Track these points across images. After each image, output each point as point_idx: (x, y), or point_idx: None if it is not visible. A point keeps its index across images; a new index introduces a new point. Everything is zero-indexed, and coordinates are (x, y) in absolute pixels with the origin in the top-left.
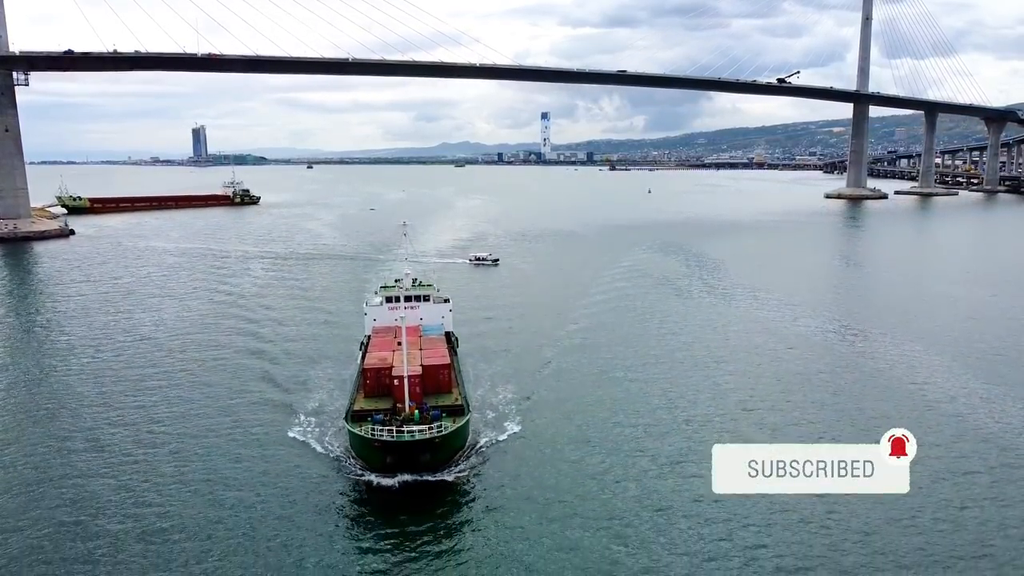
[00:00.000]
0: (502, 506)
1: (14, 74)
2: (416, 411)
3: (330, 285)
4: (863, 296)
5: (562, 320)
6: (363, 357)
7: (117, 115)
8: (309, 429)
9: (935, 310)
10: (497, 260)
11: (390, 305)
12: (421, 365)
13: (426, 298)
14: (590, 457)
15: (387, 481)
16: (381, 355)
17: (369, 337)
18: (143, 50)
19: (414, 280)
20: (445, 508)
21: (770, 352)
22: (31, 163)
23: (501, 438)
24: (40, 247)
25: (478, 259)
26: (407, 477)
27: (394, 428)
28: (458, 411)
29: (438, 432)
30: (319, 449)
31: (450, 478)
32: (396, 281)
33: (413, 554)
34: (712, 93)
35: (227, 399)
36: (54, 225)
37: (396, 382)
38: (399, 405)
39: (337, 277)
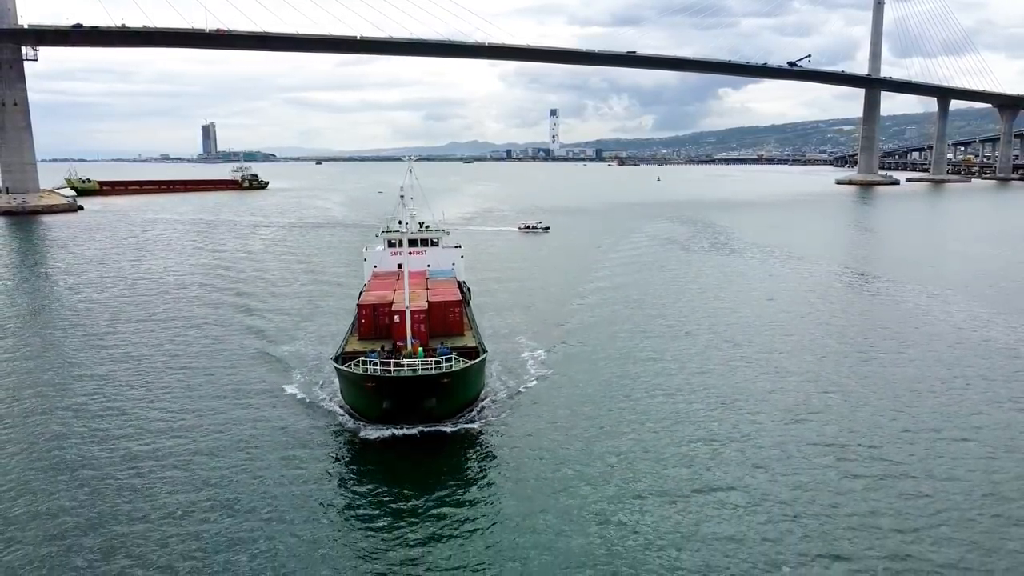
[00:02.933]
0: (517, 468)
1: (23, 48)
2: (420, 349)
3: (335, 243)
4: (880, 253)
5: (586, 277)
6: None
7: (127, 114)
8: (298, 376)
9: (949, 263)
10: (548, 228)
11: (393, 250)
12: (427, 302)
13: (434, 243)
14: (618, 414)
15: (381, 433)
16: (379, 293)
17: (368, 283)
18: (151, 26)
19: (421, 223)
20: (449, 470)
21: (789, 301)
22: (42, 160)
23: (521, 389)
24: (48, 219)
25: (528, 227)
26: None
27: (391, 363)
28: (471, 354)
29: (446, 369)
30: (303, 396)
31: (454, 429)
32: (400, 223)
33: (408, 523)
34: (722, 92)
35: (221, 348)
36: (62, 200)
37: (396, 319)
38: (399, 344)
39: (343, 238)
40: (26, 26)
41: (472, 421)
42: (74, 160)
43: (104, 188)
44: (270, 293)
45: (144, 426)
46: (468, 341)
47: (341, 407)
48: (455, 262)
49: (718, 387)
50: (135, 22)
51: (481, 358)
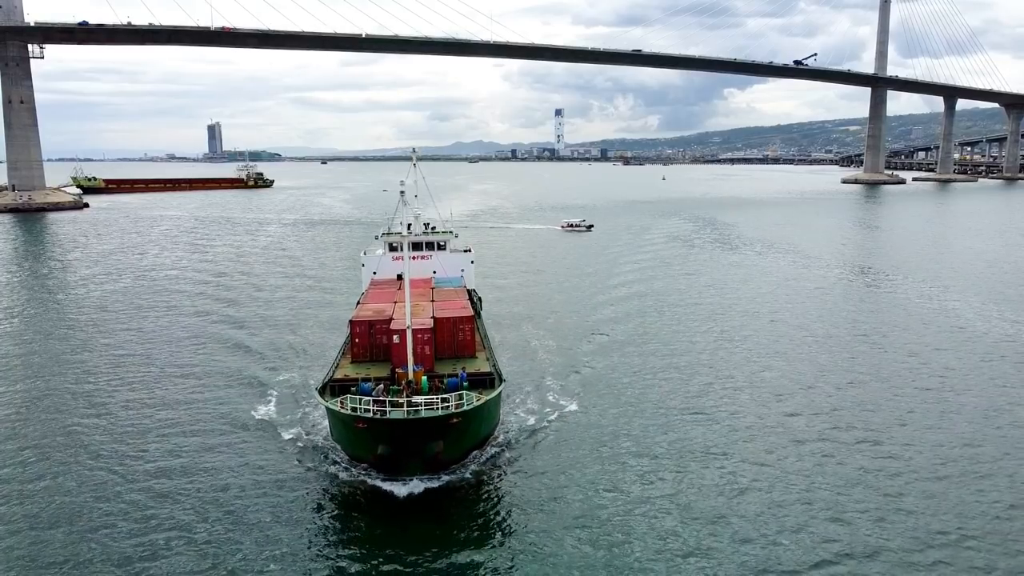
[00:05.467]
0: (533, 527)
1: (29, 46)
2: (423, 378)
3: (341, 240)
4: (886, 249)
5: (605, 282)
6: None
7: (134, 114)
8: (288, 403)
9: (952, 259)
10: (591, 226)
11: (394, 255)
12: (433, 318)
13: (441, 246)
14: (655, 453)
15: (374, 482)
16: (377, 306)
17: (365, 293)
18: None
19: (426, 225)
20: (451, 527)
21: (827, 305)
22: (49, 160)
23: (541, 423)
24: (54, 215)
25: (571, 225)
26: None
27: (387, 400)
28: (486, 381)
29: (456, 407)
30: (289, 431)
31: (454, 477)
32: (402, 224)
33: None
34: (727, 92)
35: (210, 363)
36: (68, 198)
37: (396, 339)
38: (399, 371)
39: (348, 235)
40: (32, 23)
41: (480, 465)
42: (80, 159)
43: (110, 186)
44: (268, 299)
45: (106, 454)
46: (481, 365)
47: (331, 445)
48: (464, 268)
49: (759, 408)
50: (141, 21)
51: (498, 391)
